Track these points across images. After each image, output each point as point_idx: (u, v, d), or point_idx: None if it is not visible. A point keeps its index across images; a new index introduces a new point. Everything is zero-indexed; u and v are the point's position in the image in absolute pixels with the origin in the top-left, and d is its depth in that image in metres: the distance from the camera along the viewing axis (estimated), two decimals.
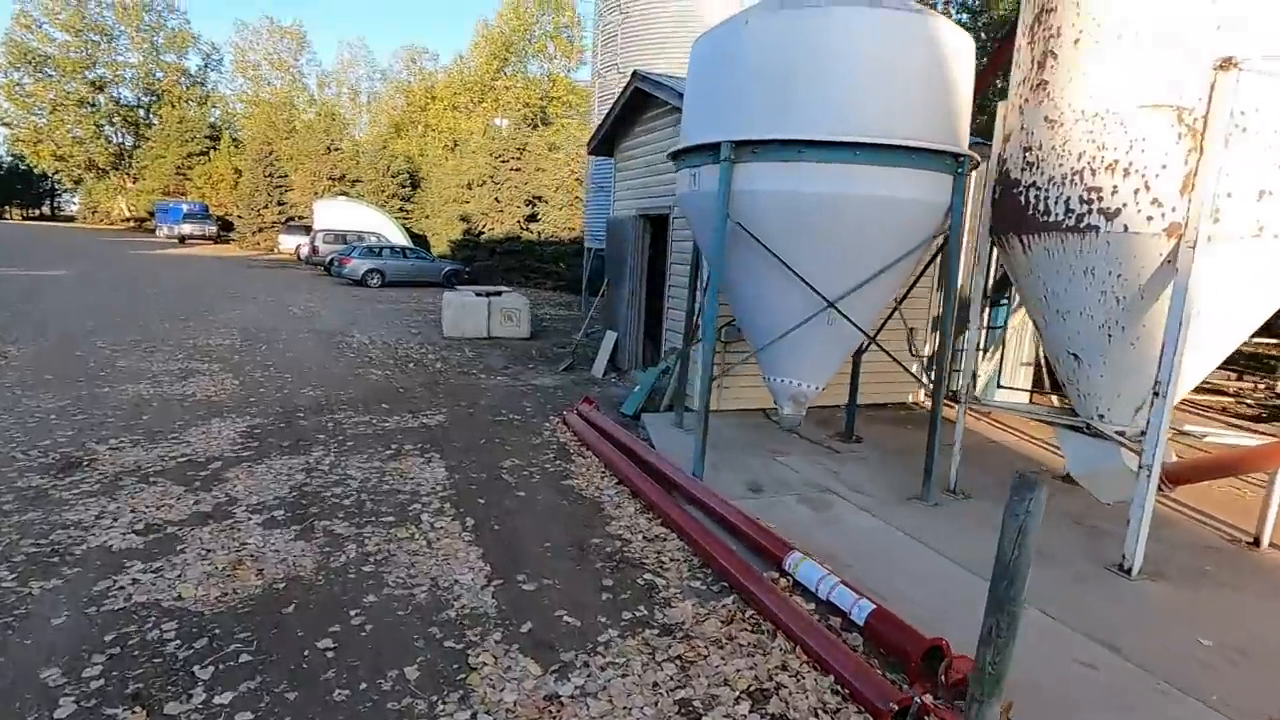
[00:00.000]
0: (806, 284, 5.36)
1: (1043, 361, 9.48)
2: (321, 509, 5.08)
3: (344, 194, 33.13)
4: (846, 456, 6.87)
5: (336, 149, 35.68)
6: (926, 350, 9.67)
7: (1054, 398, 9.68)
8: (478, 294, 13.79)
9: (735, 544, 4.59)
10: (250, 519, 4.85)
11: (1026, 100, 4.92)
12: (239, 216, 38.48)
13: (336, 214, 28.91)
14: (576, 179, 25.19)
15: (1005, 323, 8.71)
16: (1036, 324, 5.45)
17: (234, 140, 46.39)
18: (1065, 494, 5.95)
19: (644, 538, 4.89)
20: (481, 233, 27.75)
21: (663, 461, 5.96)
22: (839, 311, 5.44)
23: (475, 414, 7.95)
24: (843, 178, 5.02)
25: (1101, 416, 5.06)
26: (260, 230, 36.56)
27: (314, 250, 26.56)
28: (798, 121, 4.99)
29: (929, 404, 9.69)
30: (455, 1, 76.42)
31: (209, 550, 4.35)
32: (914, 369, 9.57)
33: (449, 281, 22.70)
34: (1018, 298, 7.94)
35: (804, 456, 6.77)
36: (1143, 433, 4.53)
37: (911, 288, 6.58)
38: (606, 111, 10.85)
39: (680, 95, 8.06)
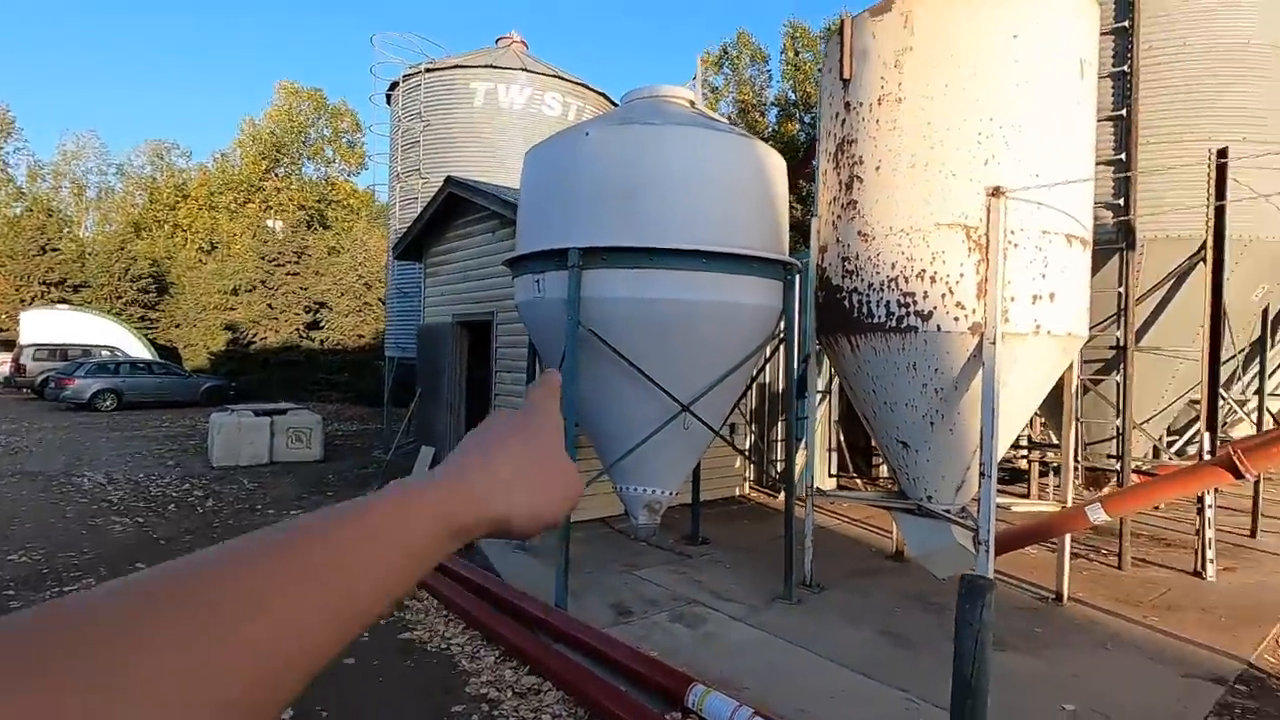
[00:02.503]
0: (661, 389, 5.27)
1: (842, 447, 10.40)
2: None
3: (64, 301, 27.72)
4: (701, 561, 6.72)
5: (54, 249, 30.08)
6: (746, 444, 10.14)
7: (859, 480, 10.60)
8: (257, 412, 11.92)
9: (624, 684, 4.09)
10: None
11: (839, 217, 5.49)
12: None
13: (52, 325, 23.93)
14: (366, 284, 23.73)
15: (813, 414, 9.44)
16: (865, 415, 5.89)
17: None
18: (900, 574, 6.32)
19: (514, 693, 4.18)
20: (252, 342, 24.67)
21: (516, 595, 5.30)
22: (694, 415, 5.41)
23: None
24: (692, 284, 5.12)
25: (930, 498, 5.50)
26: None
27: (18, 370, 21.53)
28: (646, 230, 5.05)
29: (755, 496, 10.09)
30: (210, 100, 70.93)
31: None
32: (736, 463, 9.93)
33: (210, 400, 19.58)
34: (820, 389, 8.68)
35: (662, 567, 6.49)
36: (964, 509, 4.97)
37: (750, 386, 6.83)
38: (415, 216, 10.37)
39: (502, 202, 7.93)
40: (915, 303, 4.97)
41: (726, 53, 33.12)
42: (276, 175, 41.34)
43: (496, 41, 13.88)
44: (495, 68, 12.22)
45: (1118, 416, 6.97)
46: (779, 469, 10.19)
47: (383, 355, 15.54)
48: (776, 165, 5.67)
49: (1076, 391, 7.78)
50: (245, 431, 11.38)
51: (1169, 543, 7.70)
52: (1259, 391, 8.06)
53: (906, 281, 5.01)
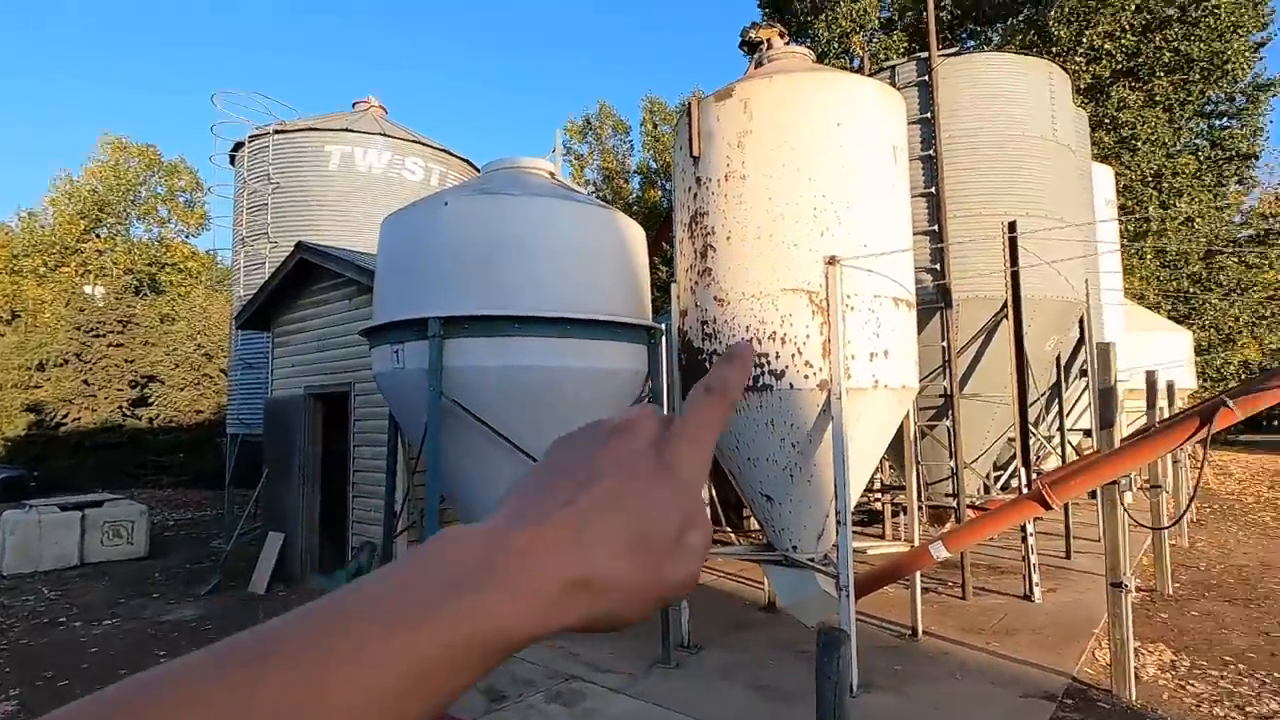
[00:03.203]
0: (530, 457, 5.18)
1: (715, 502, 10.66)
2: None
3: None
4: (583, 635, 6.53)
5: None
6: None
7: (732, 533, 10.86)
8: (64, 506, 10.34)
9: None
10: None
11: (696, 283, 5.78)
12: None
13: None
14: (206, 354, 21.70)
15: None
16: (731, 472, 6.09)
17: None
18: (774, 625, 6.48)
19: None
20: (61, 424, 21.58)
21: None
22: None
23: (76, 686, 5.60)
24: (558, 351, 5.15)
25: (795, 548, 5.74)
26: None
27: None
28: (510, 299, 5.04)
29: None
30: (13, 158, 62.84)
31: None
32: None
33: (5, 495, 16.76)
34: None
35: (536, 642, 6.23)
36: (826, 556, 5.23)
37: None
38: (263, 282, 9.70)
39: (358, 268, 7.64)
40: (769, 362, 5.29)
41: (589, 122, 34.52)
42: (98, 236, 37.32)
43: (354, 105, 13.59)
44: (352, 131, 11.93)
45: (951, 457, 7.70)
46: None
47: (224, 432, 14.12)
48: (635, 234, 5.91)
49: (915, 437, 8.52)
50: (48, 530, 9.81)
51: (1003, 570, 8.49)
52: (1060, 428, 9.25)
53: (760, 343, 5.32)
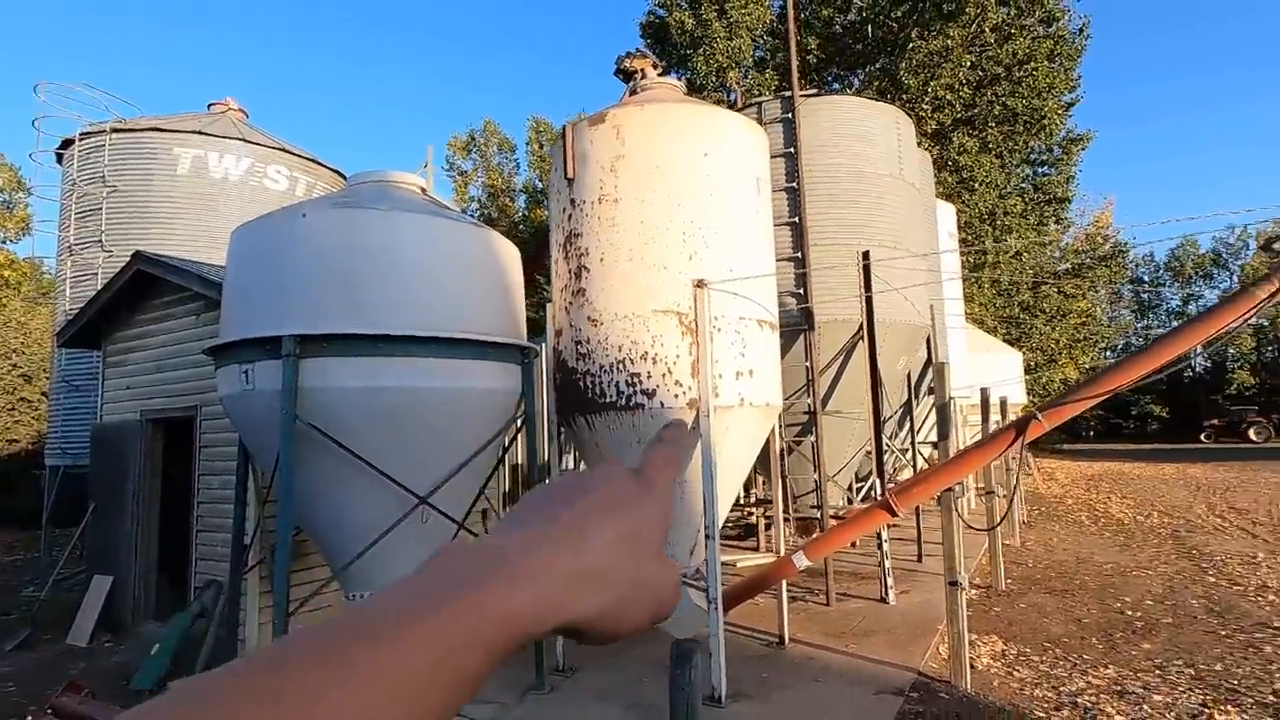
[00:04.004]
0: (396, 483, 4.97)
1: None
2: None
3: None
4: None
5: None
6: None
7: None
8: None
9: None
10: None
11: (570, 303, 5.82)
12: None
13: None
14: (24, 376, 19.13)
15: None
16: None
17: None
18: (649, 642, 6.52)
19: None
20: None
21: None
22: (433, 507, 5.16)
23: None
24: (425, 371, 4.98)
25: None
26: None
27: None
28: (373, 317, 4.83)
29: None
30: None
31: None
32: None
33: None
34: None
35: None
36: (698, 570, 5.38)
37: (498, 467, 6.72)
38: (92, 296, 8.72)
39: (204, 281, 7.06)
40: (641, 382, 5.40)
41: (474, 139, 33.99)
42: None
43: (209, 107, 12.60)
44: (206, 134, 11.04)
45: (814, 470, 8.16)
46: None
47: (43, 464, 12.44)
48: (509, 253, 5.87)
49: (782, 453, 8.93)
50: None
51: (863, 576, 9.06)
52: (912, 442, 10.06)
53: (632, 363, 5.43)
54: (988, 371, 15.82)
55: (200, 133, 11.06)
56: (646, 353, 5.41)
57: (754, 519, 11.28)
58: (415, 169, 11.20)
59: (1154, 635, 6.72)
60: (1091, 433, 49.60)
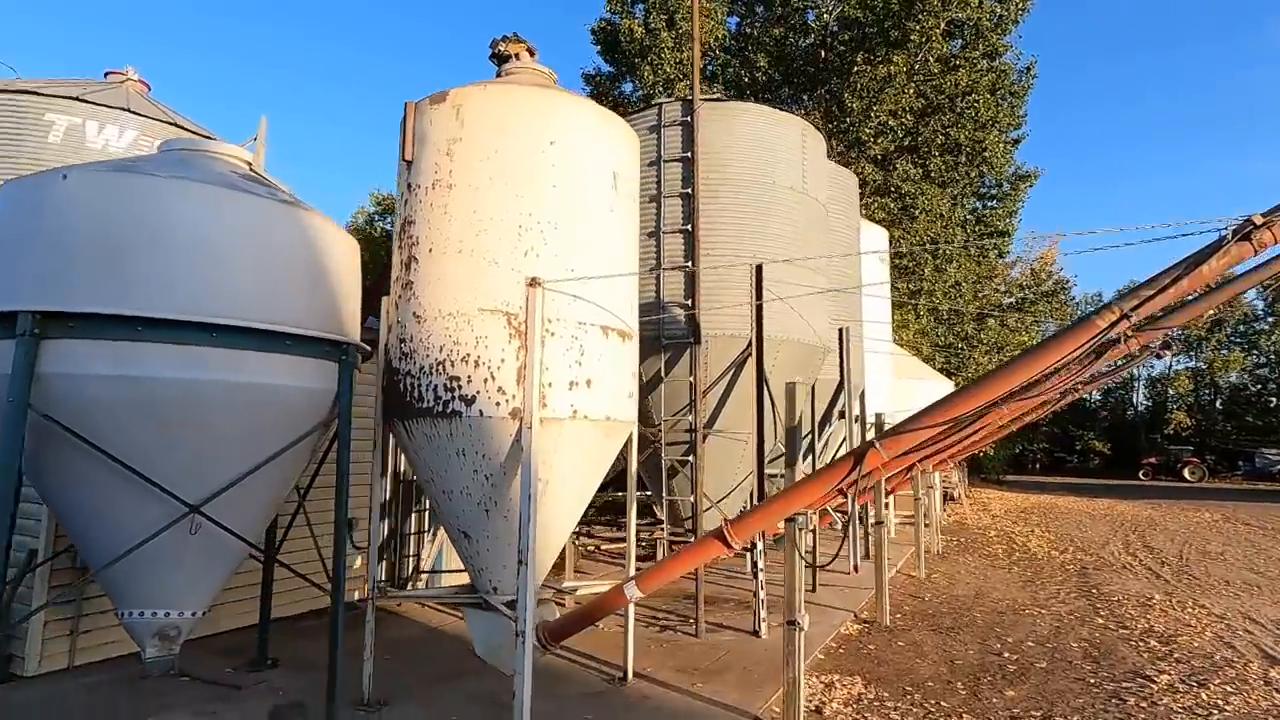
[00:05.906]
0: (159, 487, 4.35)
1: None
2: None
3: None
4: (252, 692, 5.63)
5: None
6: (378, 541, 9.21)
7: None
8: None
9: None
10: None
11: (400, 296, 5.29)
12: None
13: None
14: None
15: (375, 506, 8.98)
16: (433, 506, 5.58)
17: None
18: (484, 675, 5.96)
19: None
20: None
21: None
22: (206, 517, 4.55)
23: None
24: (203, 363, 4.39)
25: (495, 589, 5.31)
26: None
27: None
28: (139, 297, 4.24)
29: (383, 603, 9.11)
30: None
31: None
32: (358, 563, 8.95)
33: None
34: None
35: (190, 709, 5.27)
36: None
37: (314, 479, 6.10)
38: None
39: None
40: (460, 387, 4.88)
41: None
42: None
43: (106, 75, 11.83)
44: (85, 101, 10.27)
45: (692, 493, 7.72)
46: (414, 566, 9.45)
47: None
48: (339, 241, 5.31)
49: (670, 470, 8.48)
50: None
51: (747, 605, 8.60)
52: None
53: (453, 365, 4.91)
54: (915, 397, 15.65)
55: (80, 99, 10.29)
56: (469, 355, 4.90)
57: (655, 538, 10.80)
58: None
59: (1022, 681, 6.38)
60: (1037, 465, 50.48)
